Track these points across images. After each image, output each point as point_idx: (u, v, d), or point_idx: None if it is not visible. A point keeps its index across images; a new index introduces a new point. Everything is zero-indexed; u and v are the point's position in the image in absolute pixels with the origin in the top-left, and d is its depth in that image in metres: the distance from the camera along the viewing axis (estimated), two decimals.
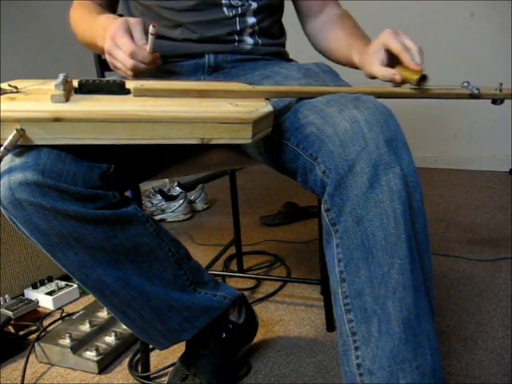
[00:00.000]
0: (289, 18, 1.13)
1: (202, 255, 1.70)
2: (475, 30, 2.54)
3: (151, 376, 1.12)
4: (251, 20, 1.00)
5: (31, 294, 1.47)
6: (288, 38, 1.11)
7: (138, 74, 0.81)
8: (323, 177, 0.71)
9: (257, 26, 1.01)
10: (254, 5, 0.99)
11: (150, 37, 0.80)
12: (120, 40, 0.79)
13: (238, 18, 0.98)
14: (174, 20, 0.97)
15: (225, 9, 0.97)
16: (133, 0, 1.01)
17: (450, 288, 1.43)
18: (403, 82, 0.82)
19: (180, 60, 0.99)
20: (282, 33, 1.11)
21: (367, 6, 2.53)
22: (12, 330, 1.32)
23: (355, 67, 0.96)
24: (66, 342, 1.17)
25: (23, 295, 1.49)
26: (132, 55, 0.78)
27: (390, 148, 0.68)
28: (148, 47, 0.80)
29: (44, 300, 1.46)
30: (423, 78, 0.81)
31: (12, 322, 1.34)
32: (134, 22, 0.81)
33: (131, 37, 0.80)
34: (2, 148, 0.63)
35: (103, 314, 1.30)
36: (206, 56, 0.99)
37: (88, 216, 0.73)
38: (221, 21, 0.97)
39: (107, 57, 0.83)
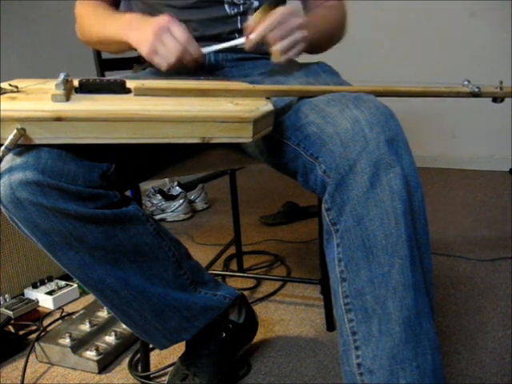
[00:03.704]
0: None
1: (201, 255, 1.70)
2: (475, 30, 2.53)
3: (151, 376, 1.12)
4: None
5: (31, 294, 1.47)
6: None
7: (179, 64, 0.83)
8: (324, 176, 0.71)
9: None
10: (256, 3, 0.98)
11: None
12: (175, 29, 0.82)
13: (239, 17, 0.98)
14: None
15: (226, 7, 0.97)
16: None
17: (450, 288, 1.43)
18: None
19: None
20: None
21: (367, 6, 2.53)
22: (12, 330, 1.32)
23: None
24: (66, 341, 1.17)
25: (23, 295, 1.49)
26: (187, 42, 0.82)
27: (390, 148, 0.68)
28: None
29: (44, 299, 1.46)
30: None
31: (12, 321, 1.34)
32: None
33: None
34: (3, 147, 0.63)
35: (103, 313, 1.30)
36: (207, 55, 0.98)
37: (88, 215, 0.73)
38: (222, 19, 0.97)
39: (151, 41, 0.82)
